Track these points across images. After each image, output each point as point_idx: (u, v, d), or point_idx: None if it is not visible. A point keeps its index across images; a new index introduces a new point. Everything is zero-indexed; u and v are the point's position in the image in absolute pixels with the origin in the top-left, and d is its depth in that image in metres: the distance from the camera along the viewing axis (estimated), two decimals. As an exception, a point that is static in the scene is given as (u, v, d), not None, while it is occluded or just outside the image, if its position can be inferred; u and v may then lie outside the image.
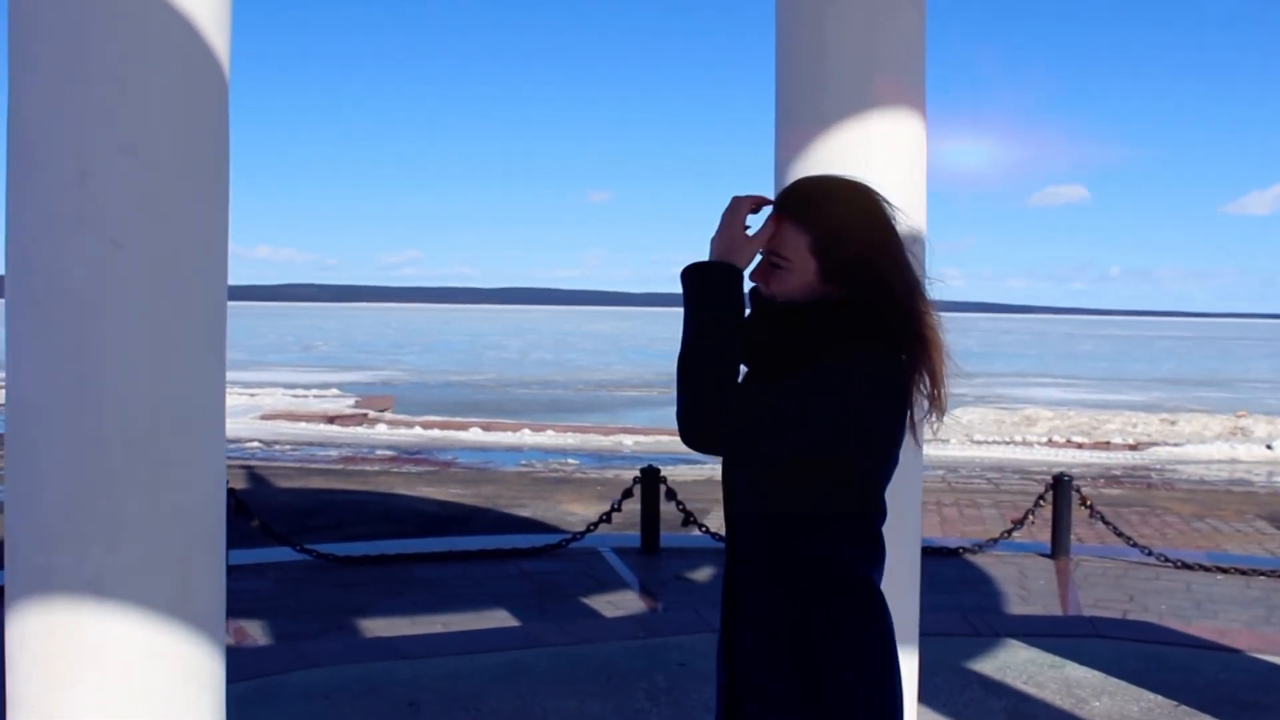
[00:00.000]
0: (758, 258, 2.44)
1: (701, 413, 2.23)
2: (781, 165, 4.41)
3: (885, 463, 2.42)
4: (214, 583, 3.18)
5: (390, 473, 16.36)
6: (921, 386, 2.40)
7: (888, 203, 2.46)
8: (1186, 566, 9.09)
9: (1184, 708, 5.68)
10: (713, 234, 2.41)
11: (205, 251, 3.22)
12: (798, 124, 4.34)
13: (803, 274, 2.37)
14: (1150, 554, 9.26)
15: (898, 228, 2.44)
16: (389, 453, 19.54)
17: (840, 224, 2.37)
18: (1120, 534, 9.48)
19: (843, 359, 2.28)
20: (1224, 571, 9.02)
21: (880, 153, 4.23)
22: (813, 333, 2.31)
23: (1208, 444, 22.26)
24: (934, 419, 2.47)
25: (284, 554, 8.76)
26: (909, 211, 4.31)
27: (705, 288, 2.34)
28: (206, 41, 3.21)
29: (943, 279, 2.56)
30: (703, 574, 8.84)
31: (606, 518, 9.49)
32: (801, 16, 4.34)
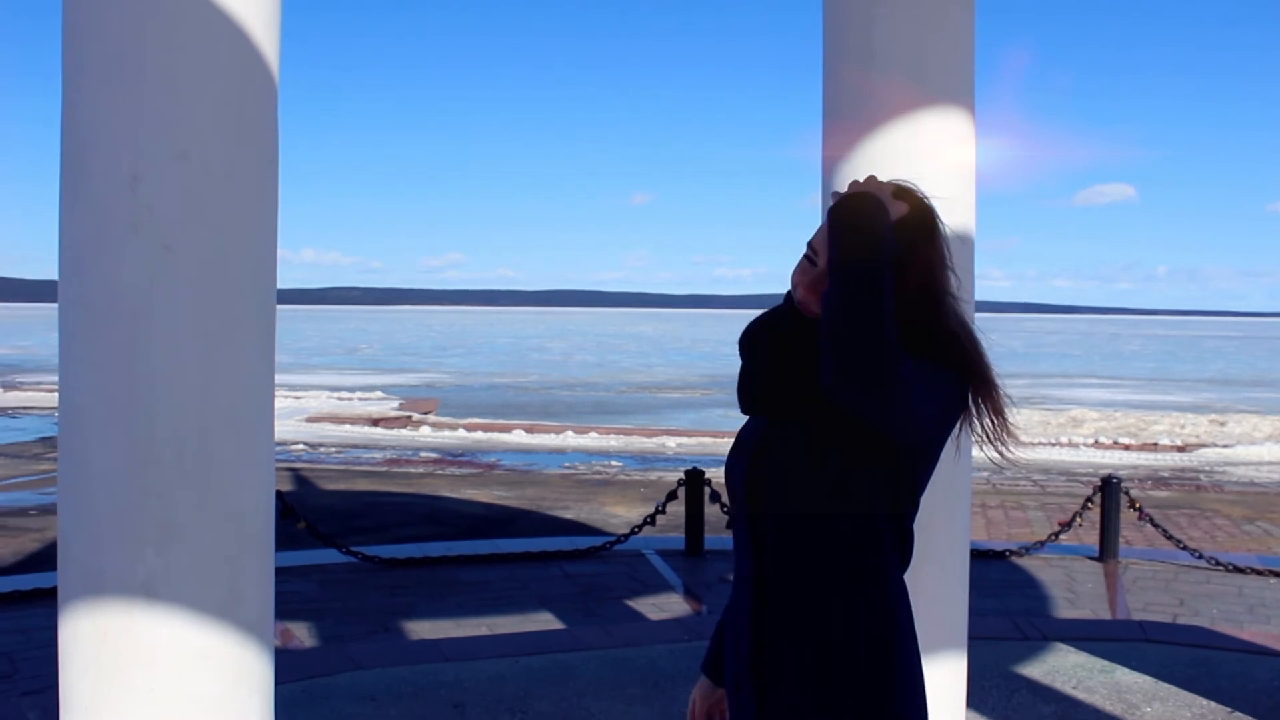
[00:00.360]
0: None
1: (881, 357, 2.06)
2: (828, 166, 4.40)
3: (933, 469, 2.37)
4: (264, 585, 3.20)
5: (434, 475, 16.43)
6: (973, 414, 2.36)
7: (935, 214, 2.44)
8: (1238, 570, 8.97)
9: (1238, 714, 5.60)
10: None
11: (254, 255, 3.24)
12: (845, 124, 4.33)
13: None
14: (1200, 557, 9.15)
15: (943, 238, 2.41)
16: (433, 455, 19.62)
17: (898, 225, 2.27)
18: (1169, 536, 9.37)
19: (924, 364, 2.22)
20: (1276, 575, 8.89)
21: (929, 155, 4.20)
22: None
23: (1258, 445, 21.98)
24: (1000, 448, 2.41)
25: (330, 556, 8.82)
26: (959, 214, 4.30)
27: (865, 220, 2.17)
28: (256, 46, 3.23)
29: (984, 279, 2.53)
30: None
31: (650, 520, 9.49)
32: (850, 17, 4.32)
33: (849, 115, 4.33)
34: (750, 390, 2.42)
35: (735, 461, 2.44)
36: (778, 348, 2.38)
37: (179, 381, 2.93)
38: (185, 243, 2.95)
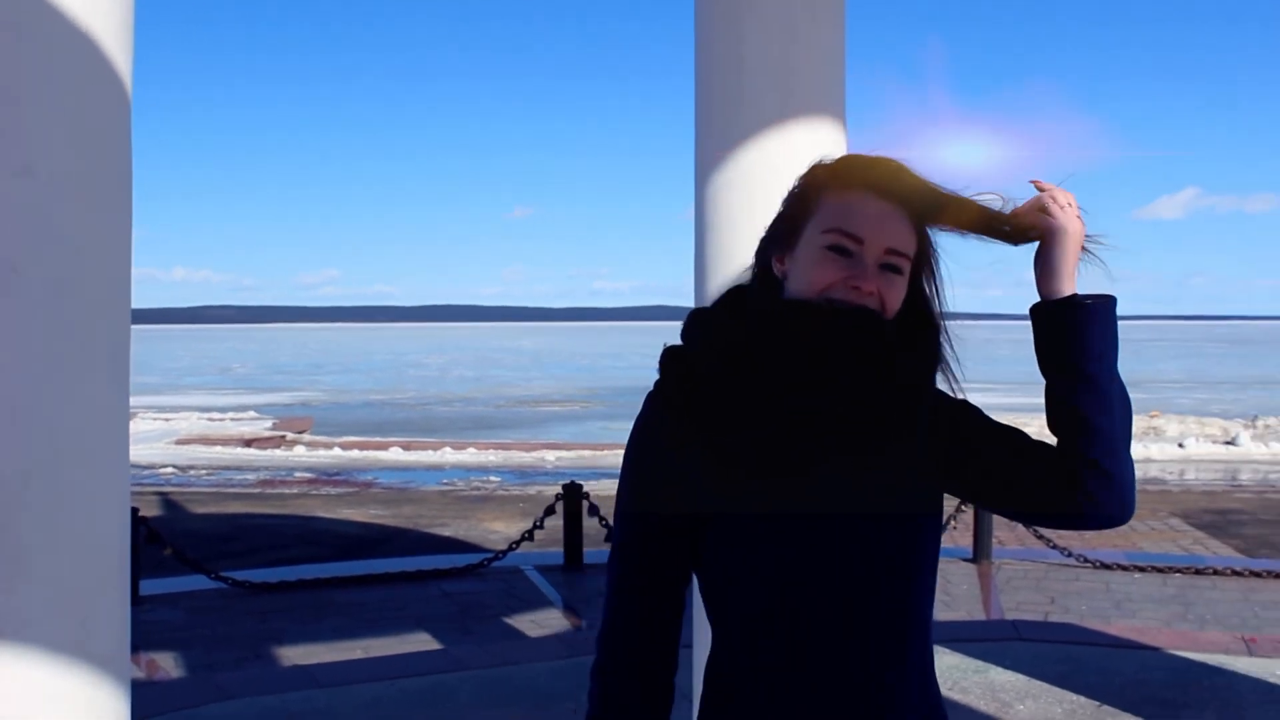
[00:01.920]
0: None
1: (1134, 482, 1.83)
2: (702, 177, 4.40)
3: None
4: (118, 619, 3.06)
5: (309, 495, 16.10)
6: None
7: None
8: (1105, 566, 9.22)
9: (1106, 708, 5.74)
10: (1058, 220, 1.84)
11: (107, 276, 3.11)
12: (719, 135, 4.33)
13: (906, 280, 1.84)
14: (1070, 555, 9.37)
15: None
16: (308, 475, 19.24)
17: (949, 227, 1.91)
18: (1040, 536, 9.58)
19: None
20: (1141, 570, 9.16)
21: (802, 162, 4.21)
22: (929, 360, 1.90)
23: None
24: None
25: (198, 582, 8.57)
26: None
27: (1113, 325, 1.86)
28: (106, 57, 3.11)
29: None
30: (627, 590, 8.78)
31: (529, 535, 9.41)
32: (721, 29, 4.33)
33: (721, 126, 4.33)
34: None
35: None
36: None
37: (27, 409, 2.80)
38: (32, 263, 2.82)
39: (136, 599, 8.15)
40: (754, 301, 1.89)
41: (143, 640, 7.23)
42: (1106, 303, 1.83)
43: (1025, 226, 1.86)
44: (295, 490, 16.90)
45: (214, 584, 8.52)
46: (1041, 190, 1.87)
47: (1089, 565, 9.25)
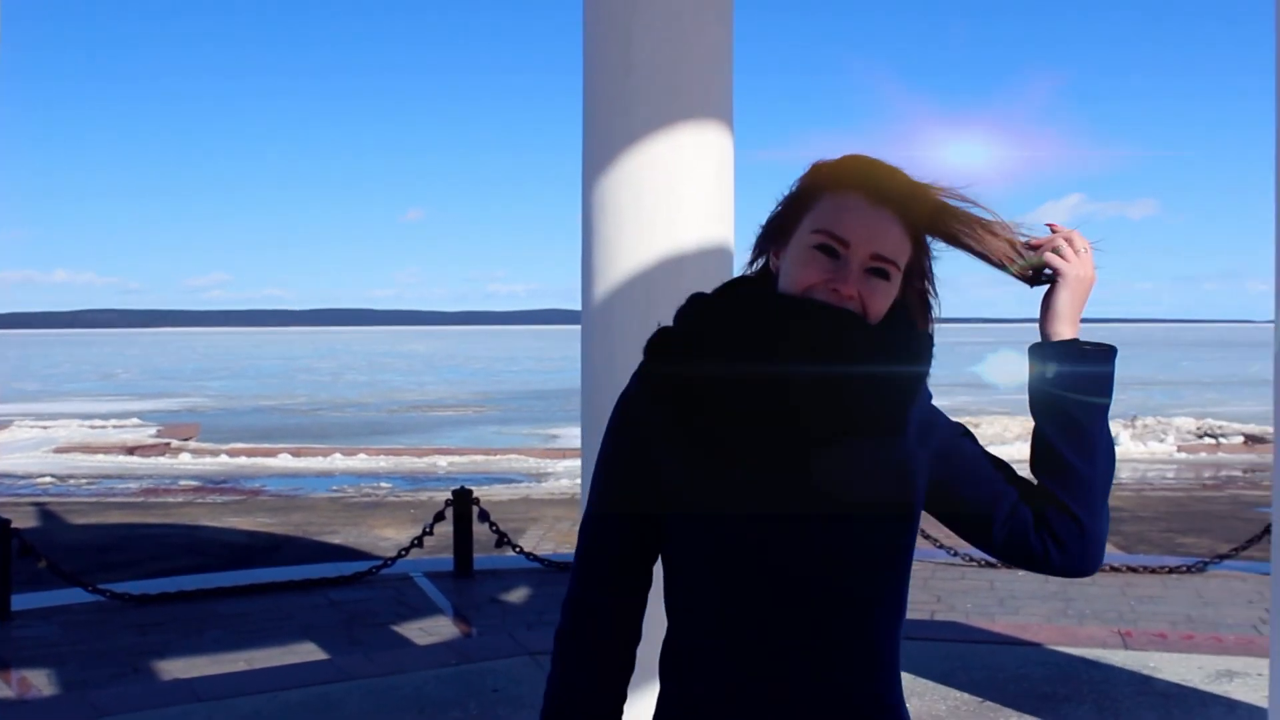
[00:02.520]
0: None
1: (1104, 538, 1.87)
2: (589, 179, 4.37)
3: None
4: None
5: (194, 504, 15.75)
6: None
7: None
8: (990, 565, 9.37)
9: (988, 704, 5.83)
10: (1071, 266, 1.86)
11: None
12: (606, 137, 4.31)
13: (895, 285, 1.84)
14: (955, 554, 9.52)
15: None
16: (193, 483, 18.83)
17: (946, 235, 1.89)
18: (926, 536, 9.71)
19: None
20: (1024, 569, 9.34)
21: (689, 164, 4.23)
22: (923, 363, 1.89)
23: (1009, 445, 23.09)
24: None
25: (75, 595, 8.30)
26: (719, 227, 4.33)
27: (1108, 375, 1.86)
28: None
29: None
30: (517, 595, 8.72)
31: (418, 542, 9.29)
32: (609, 33, 4.31)
33: (608, 128, 4.32)
34: None
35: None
36: None
37: None
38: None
39: (7, 615, 7.88)
40: (742, 290, 1.89)
41: (14, 657, 7.00)
42: (1105, 352, 1.84)
43: (1038, 266, 1.87)
44: (180, 499, 16.53)
45: (91, 597, 8.26)
46: (1056, 233, 1.89)
47: (974, 564, 9.41)
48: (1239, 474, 19.00)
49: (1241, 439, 24.27)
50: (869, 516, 1.80)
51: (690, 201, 4.24)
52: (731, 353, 1.78)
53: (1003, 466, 1.90)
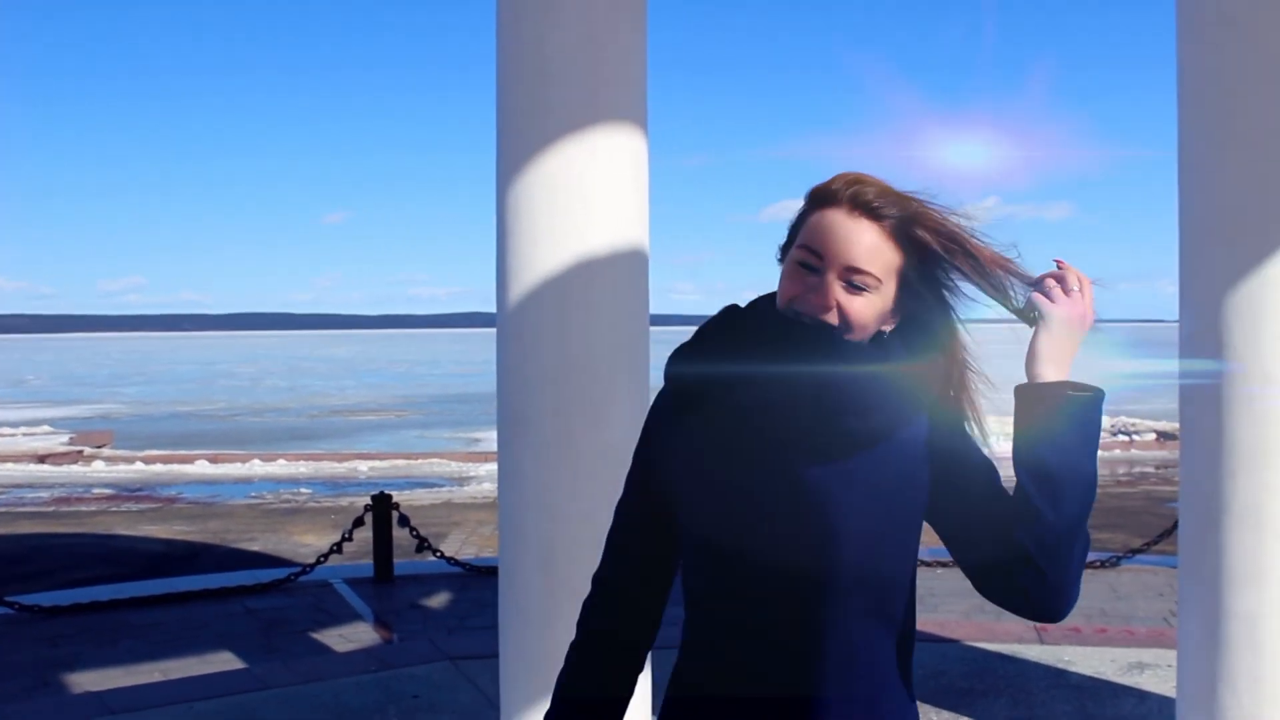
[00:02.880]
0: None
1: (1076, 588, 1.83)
2: (503, 182, 4.34)
3: None
4: None
5: (108, 512, 15.46)
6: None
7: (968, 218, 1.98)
8: (908, 564, 9.47)
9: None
10: (1061, 310, 1.86)
11: None
12: (520, 141, 4.28)
13: (884, 299, 1.90)
14: (875, 554, 9.61)
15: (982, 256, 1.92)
16: (107, 491, 18.47)
17: (933, 249, 1.90)
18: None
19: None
20: (944, 565, 9.43)
21: (604, 169, 4.21)
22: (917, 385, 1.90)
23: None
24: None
25: (-18, 607, 8.11)
26: (634, 230, 4.33)
27: (1090, 422, 1.83)
28: None
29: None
30: (438, 600, 8.66)
31: (338, 548, 9.19)
32: (523, 37, 4.28)
33: (523, 132, 4.29)
34: None
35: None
36: None
37: None
38: None
39: (-91, 629, 7.67)
40: (757, 302, 2.00)
41: (-82, 672, 6.82)
42: (1088, 397, 1.81)
43: (1026, 305, 1.89)
44: (93, 508, 16.21)
45: (0, 609, 8.07)
46: (1057, 269, 1.90)
47: (894, 562, 9.51)
48: (1152, 470, 19.42)
49: (1154, 436, 24.79)
50: (826, 529, 1.83)
51: (605, 205, 4.23)
52: (721, 358, 1.90)
53: (1000, 506, 1.85)
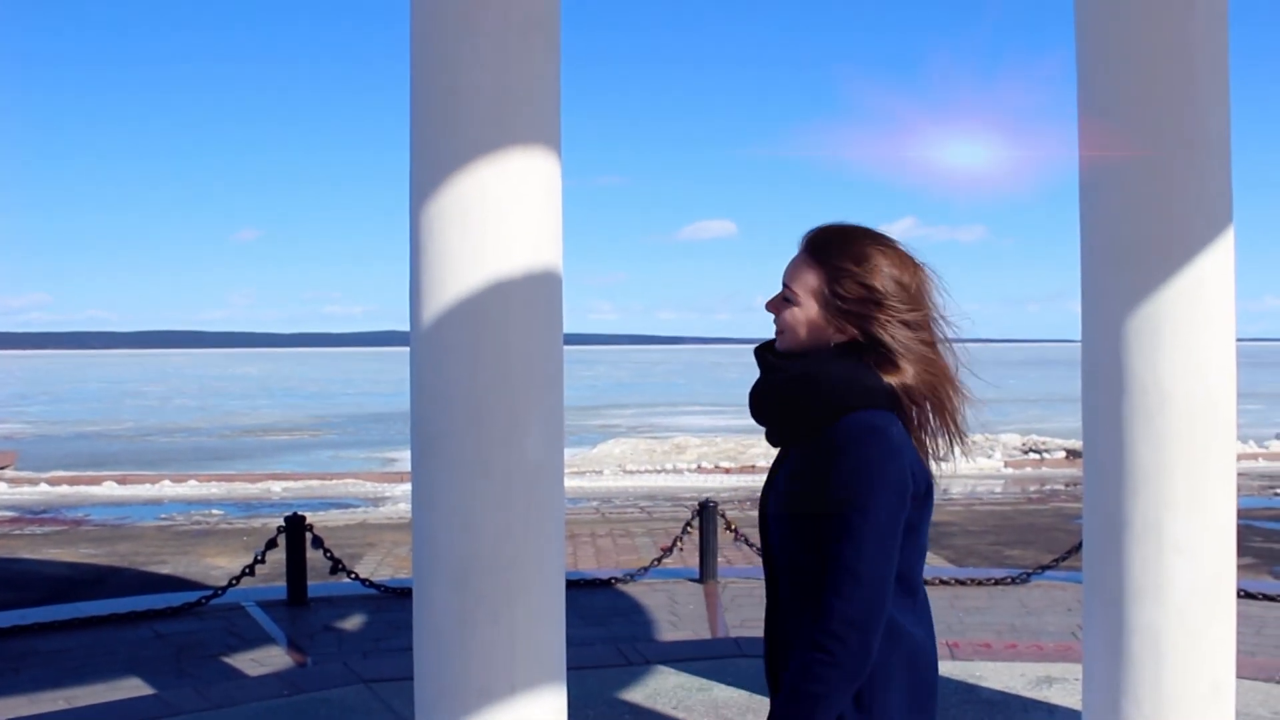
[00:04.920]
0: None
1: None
2: (416, 204, 4.33)
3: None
4: None
5: (11, 535, 15.07)
6: (930, 426, 2.49)
7: (912, 254, 2.49)
8: (823, 581, 9.56)
9: (823, 719, 5.93)
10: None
11: None
12: (433, 160, 4.28)
13: (807, 309, 2.45)
14: (790, 571, 9.68)
15: (921, 276, 2.48)
16: (9, 514, 18.00)
17: (849, 264, 2.42)
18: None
19: (850, 440, 2.30)
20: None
21: (517, 189, 4.22)
22: (819, 397, 2.36)
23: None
24: (954, 448, 2.57)
25: (-122, 635, 7.88)
26: (546, 253, 4.35)
27: None
28: None
29: (965, 319, 2.56)
30: (353, 622, 8.57)
31: (250, 570, 9.05)
32: (435, 57, 4.28)
33: (435, 152, 4.29)
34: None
35: (764, 492, 2.61)
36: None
37: None
38: None
39: None
40: None
41: None
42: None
43: None
44: (-5, 530, 15.80)
45: (-104, 636, 7.85)
46: None
47: (809, 580, 9.58)
48: (1061, 487, 19.76)
49: (1064, 454, 25.25)
50: (772, 513, 2.48)
51: (518, 225, 4.24)
52: None
53: (827, 572, 2.29)
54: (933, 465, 2.53)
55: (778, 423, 2.48)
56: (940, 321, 2.50)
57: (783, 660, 2.45)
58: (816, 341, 2.45)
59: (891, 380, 2.38)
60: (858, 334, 2.41)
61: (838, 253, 2.43)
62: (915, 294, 2.44)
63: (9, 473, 24.79)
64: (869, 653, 2.24)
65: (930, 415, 2.48)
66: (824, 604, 2.25)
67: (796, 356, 2.46)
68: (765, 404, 2.49)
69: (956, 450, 2.58)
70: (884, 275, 2.41)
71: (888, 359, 2.39)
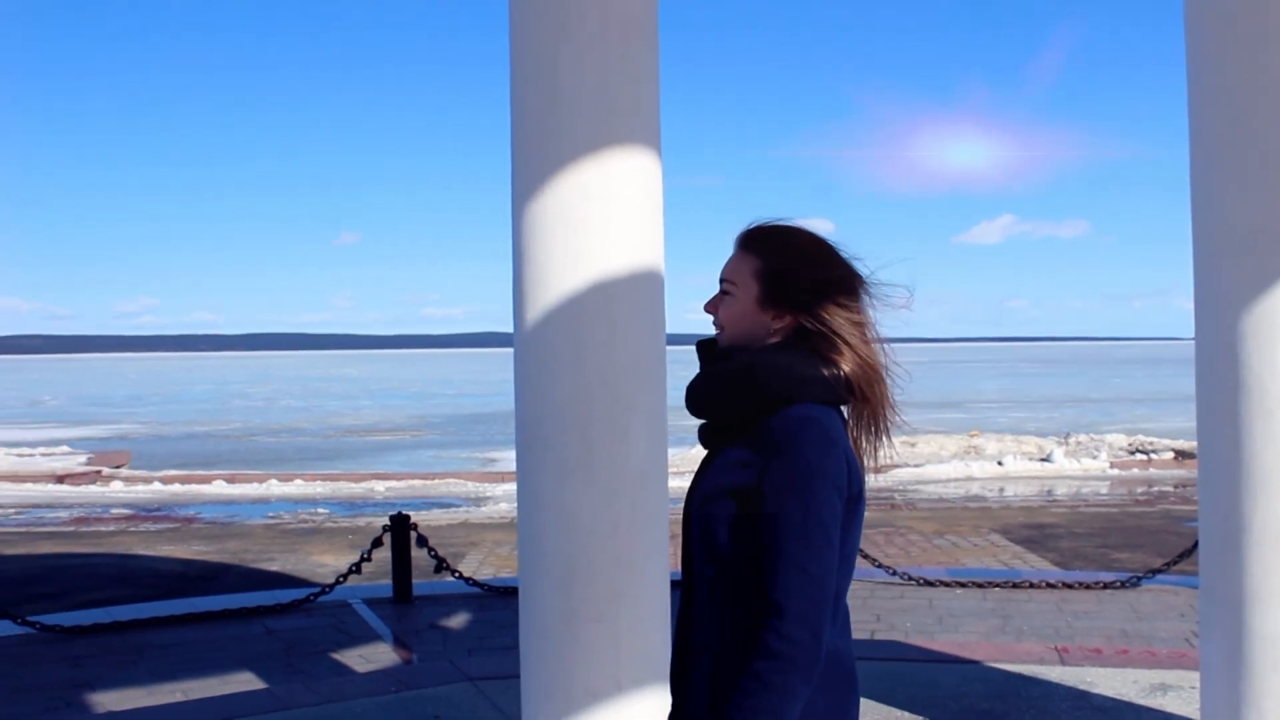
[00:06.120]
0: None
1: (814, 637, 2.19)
2: (518, 206, 4.37)
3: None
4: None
5: (127, 532, 15.49)
6: (864, 423, 2.43)
7: (843, 250, 2.47)
8: (929, 583, 9.45)
9: (927, 721, 5.88)
10: None
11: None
12: (534, 163, 4.31)
13: (746, 298, 2.43)
14: (894, 573, 9.59)
15: (853, 269, 2.45)
16: (125, 511, 18.52)
17: (785, 252, 2.43)
18: (866, 556, 9.78)
19: (790, 433, 2.25)
20: (963, 585, 9.42)
21: (618, 190, 4.24)
22: (759, 387, 2.31)
23: (945, 463, 23.30)
24: (879, 451, 2.47)
25: (3, 628, 8.15)
26: (649, 250, 4.35)
27: None
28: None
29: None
30: (457, 621, 8.67)
31: (356, 568, 9.20)
32: (536, 61, 4.32)
33: (537, 155, 4.32)
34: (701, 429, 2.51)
35: (689, 493, 2.48)
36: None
37: None
38: None
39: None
40: None
41: (-59, 692, 6.85)
42: None
43: None
44: (112, 528, 16.25)
45: (20, 629, 8.10)
46: None
47: (913, 583, 9.48)
48: (1170, 489, 19.30)
49: (1172, 454, 24.66)
50: (693, 511, 2.38)
51: (620, 227, 4.25)
52: None
53: (763, 575, 2.21)
54: (867, 471, 2.44)
55: (716, 415, 2.41)
56: (872, 321, 2.44)
57: (690, 668, 2.36)
58: (757, 332, 2.42)
59: (832, 369, 2.34)
60: (801, 321, 2.38)
61: (780, 245, 2.43)
62: (852, 289, 2.42)
63: (124, 471, 25.51)
64: (821, 650, 2.16)
65: (863, 412, 2.42)
66: (771, 604, 2.15)
67: (739, 351, 2.42)
68: (704, 397, 2.42)
69: (880, 455, 2.49)
70: (825, 267, 2.41)
71: (830, 346, 2.36)
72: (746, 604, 2.24)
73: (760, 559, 2.21)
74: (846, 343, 2.35)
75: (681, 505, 2.50)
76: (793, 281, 2.39)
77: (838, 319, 2.36)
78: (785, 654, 2.12)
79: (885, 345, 2.44)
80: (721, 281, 2.47)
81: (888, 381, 2.42)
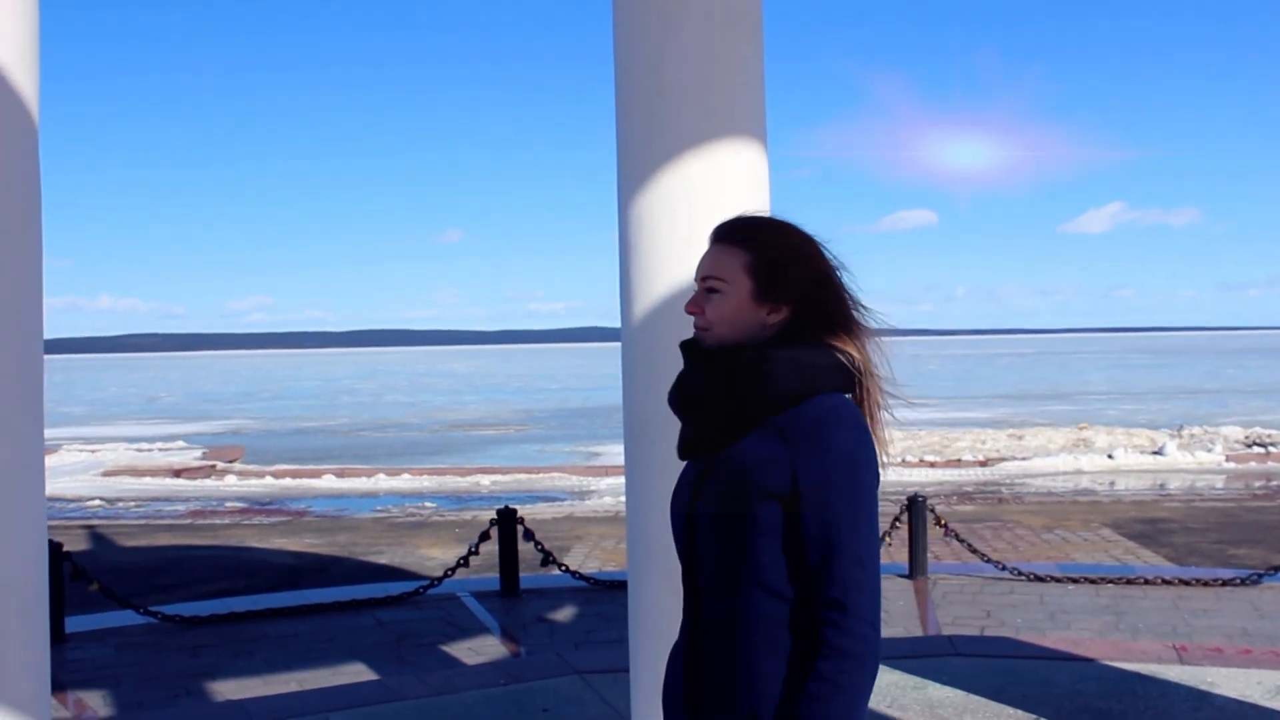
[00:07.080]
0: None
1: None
2: (624, 199, 4.38)
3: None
4: (36, 662, 2.98)
5: (241, 525, 15.87)
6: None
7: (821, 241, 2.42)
8: (1039, 579, 9.29)
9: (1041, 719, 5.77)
10: None
11: (15, 309, 3.03)
12: (640, 158, 4.31)
13: (738, 293, 2.31)
14: (1004, 569, 9.44)
15: (834, 256, 2.40)
16: (239, 504, 18.98)
17: (775, 242, 2.35)
18: (974, 550, 9.64)
19: (823, 424, 2.19)
20: (1074, 581, 9.24)
21: (725, 184, 4.23)
22: (775, 382, 2.22)
23: (1053, 456, 22.91)
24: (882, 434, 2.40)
25: (127, 617, 8.38)
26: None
27: None
28: (12, 86, 3.04)
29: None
30: (564, 614, 8.73)
31: (464, 561, 9.31)
32: (640, 52, 4.32)
33: (643, 149, 4.32)
34: (682, 438, 2.40)
35: (676, 510, 2.40)
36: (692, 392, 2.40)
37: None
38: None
39: (62, 637, 7.95)
40: None
41: (69, 679, 7.06)
42: None
43: None
44: (227, 521, 16.66)
45: (143, 619, 8.34)
46: None
47: (1024, 578, 9.32)
48: (1290, 483, 18.76)
49: (1291, 447, 23.95)
50: (700, 514, 2.29)
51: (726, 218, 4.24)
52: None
53: (813, 568, 2.16)
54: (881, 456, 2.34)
55: (724, 415, 2.27)
56: (861, 310, 2.38)
57: (700, 678, 2.31)
58: (750, 328, 2.32)
59: (845, 356, 2.29)
60: (800, 312, 2.31)
61: (770, 237, 2.35)
62: (839, 276, 2.38)
63: (238, 466, 26.13)
64: (880, 640, 2.16)
65: (863, 399, 2.34)
66: (832, 602, 2.11)
67: (730, 350, 2.32)
68: (707, 396, 2.31)
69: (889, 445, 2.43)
70: (817, 256, 2.35)
71: (832, 335, 2.30)
72: (779, 599, 2.20)
73: (801, 555, 2.17)
74: (849, 329, 2.32)
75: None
76: (790, 272, 2.31)
77: (839, 306, 2.33)
78: (855, 652, 2.10)
79: (873, 330, 2.40)
80: (705, 279, 2.36)
81: (877, 374, 2.38)
